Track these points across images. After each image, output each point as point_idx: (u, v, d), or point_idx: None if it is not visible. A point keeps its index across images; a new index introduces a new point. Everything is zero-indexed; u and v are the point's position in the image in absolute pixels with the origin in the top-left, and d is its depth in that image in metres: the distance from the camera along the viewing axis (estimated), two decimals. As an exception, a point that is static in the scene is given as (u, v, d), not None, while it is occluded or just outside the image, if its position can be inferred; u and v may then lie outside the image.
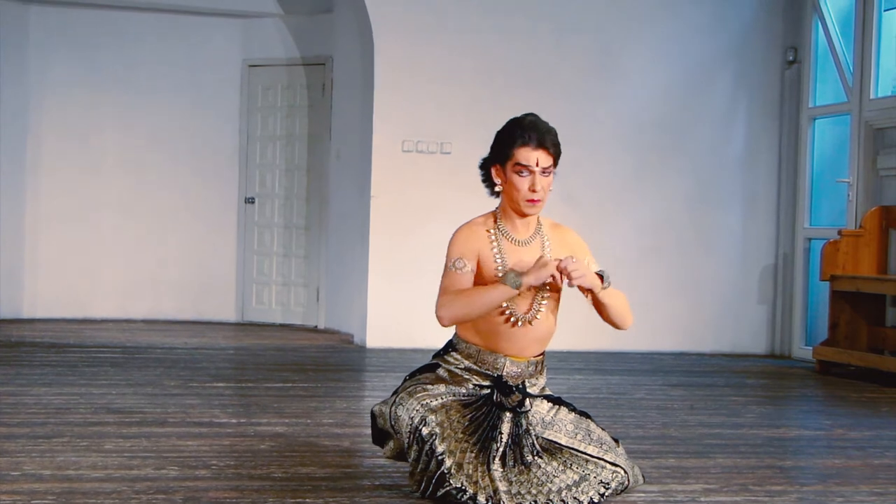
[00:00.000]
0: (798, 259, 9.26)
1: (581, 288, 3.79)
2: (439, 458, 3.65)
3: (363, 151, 9.08)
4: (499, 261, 3.82)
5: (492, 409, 3.76)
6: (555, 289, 3.84)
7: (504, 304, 3.79)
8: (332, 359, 8.12)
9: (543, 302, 3.85)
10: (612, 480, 3.76)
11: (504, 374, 3.84)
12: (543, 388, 3.97)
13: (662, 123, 9.26)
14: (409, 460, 3.78)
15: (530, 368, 3.89)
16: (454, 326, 3.93)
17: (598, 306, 3.85)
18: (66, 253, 10.38)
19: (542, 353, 3.97)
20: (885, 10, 8.54)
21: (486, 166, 3.93)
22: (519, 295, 3.78)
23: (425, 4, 8.91)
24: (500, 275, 3.78)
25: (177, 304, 10.56)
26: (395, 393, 3.89)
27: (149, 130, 10.52)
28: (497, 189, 3.89)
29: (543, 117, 3.93)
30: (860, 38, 8.59)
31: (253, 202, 10.64)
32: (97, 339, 8.78)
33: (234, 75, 10.66)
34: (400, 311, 8.71)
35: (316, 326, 10.31)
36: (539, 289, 3.81)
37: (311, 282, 10.41)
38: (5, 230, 10.18)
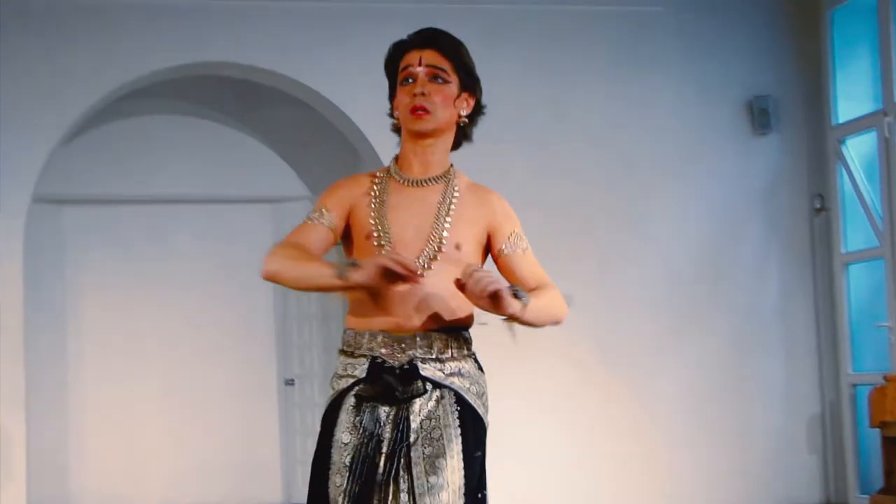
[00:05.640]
0: (845, 406, 9.11)
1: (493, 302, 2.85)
2: None
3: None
4: (374, 211, 3.00)
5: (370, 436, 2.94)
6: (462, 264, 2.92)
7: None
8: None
9: (442, 252, 2.96)
10: None
11: (377, 354, 2.96)
12: (474, 385, 3.07)
13: (695, 275, 9.22)
14: None
15: (421, 344, 2.94)
16: None
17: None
18: (109, 444, 10.35)
19: (448, 330, 2.99)
20: (908, 152, 8.58)
21: (392, 104, 3.12)
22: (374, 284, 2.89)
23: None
24: (376, 234, 2.99)
25: (223, 488, 10.45)
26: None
27: (186, 317, 10.59)
28: (395, 122, 3.10)
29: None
30: (886, 182, 8.58)
31: (293, 384, 10.64)
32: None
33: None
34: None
35: (362, 504, 10.17)
36: (434, 237, 2.98)
37: (354, 459, 10.31)
38: (48, 425, 10.18)
